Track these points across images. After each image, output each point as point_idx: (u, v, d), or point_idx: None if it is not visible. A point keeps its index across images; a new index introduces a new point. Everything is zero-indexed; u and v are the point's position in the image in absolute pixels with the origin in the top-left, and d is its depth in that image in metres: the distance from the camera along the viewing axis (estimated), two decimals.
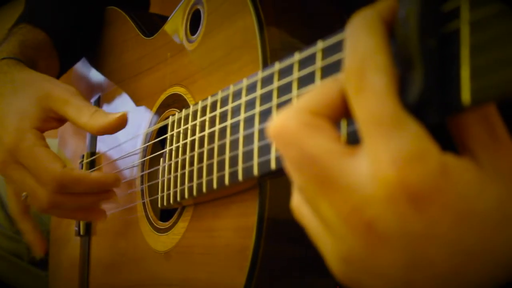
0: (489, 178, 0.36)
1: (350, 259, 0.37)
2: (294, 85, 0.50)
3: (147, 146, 0.84)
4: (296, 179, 0.38)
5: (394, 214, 0.34)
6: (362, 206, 0.35)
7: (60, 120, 0.85)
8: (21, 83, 0.84)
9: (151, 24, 0.94)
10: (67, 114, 0.81)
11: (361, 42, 0.36)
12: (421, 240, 0.34)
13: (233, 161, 0.60)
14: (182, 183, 0.70)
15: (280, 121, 0.38)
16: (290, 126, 0.37)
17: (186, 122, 0.71)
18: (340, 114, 0.39)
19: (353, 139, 0.40)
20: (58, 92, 0.82)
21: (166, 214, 0.79)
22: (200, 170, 0.66)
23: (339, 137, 0.38)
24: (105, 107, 1.00)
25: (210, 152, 0.64)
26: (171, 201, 0.73)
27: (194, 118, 0.69)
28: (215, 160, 0.63)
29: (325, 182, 0.36)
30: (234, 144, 0.60)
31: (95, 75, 1.05)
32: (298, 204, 0.40)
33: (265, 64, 0.61)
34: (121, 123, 0.78)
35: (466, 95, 0.34)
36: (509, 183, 0.36)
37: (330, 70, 0.45)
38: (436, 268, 0.35)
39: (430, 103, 0.35)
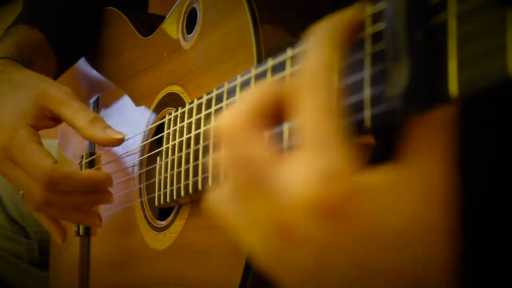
0: (407, 194, 0.37)
1: (270, 254, 0.40)
2: None
3: (145, 145, 0.84)
4: (232, 178, 0.40)
5: (307, 223, 0.37)
6: (283, 212, 0.38)
7: (55, 120, 0.85)
8: (18, 82, 0.84)
9: (149, 24, 0.94)
10: (63, 115, 0.81)
11: (314, 56, 0.38)
12: (326, 247, 0.38)
13: None
14: (178, 181, 0.70)
15: (225, 121, 0.40)
16: (233, 126, 0.39)
17: (182, 120, 0.71)
18: (283, 117, 0.40)
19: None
20: (55, 92, 0.82)
21: (164, 212, 0.79)
22: (195, 167, 0.66)
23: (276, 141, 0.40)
24: (104, 108, 1.00)
25: (205, 149, 0.64)
26: (168, 200, 0.73)
27: (190, 116, 0.69)
28: (210, 158, 0.63)
29: (257, 184, 0.39)
30: None
31: (94, 76, 1.05)
32: (225, 200, 0.42)
33: (260, 62, 0.61)
34: (116, 144, 0.80)
35: (453, 86, 0.34)
36: (428, 198, 0.37)
37: None
38: (340, 273, 0.38)
39: (417, 95, 0.35)
